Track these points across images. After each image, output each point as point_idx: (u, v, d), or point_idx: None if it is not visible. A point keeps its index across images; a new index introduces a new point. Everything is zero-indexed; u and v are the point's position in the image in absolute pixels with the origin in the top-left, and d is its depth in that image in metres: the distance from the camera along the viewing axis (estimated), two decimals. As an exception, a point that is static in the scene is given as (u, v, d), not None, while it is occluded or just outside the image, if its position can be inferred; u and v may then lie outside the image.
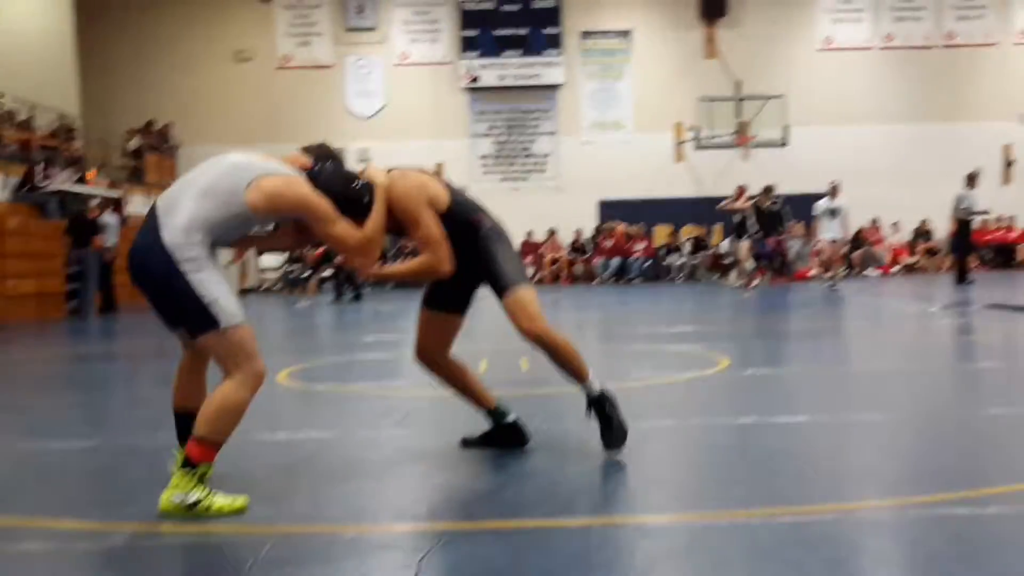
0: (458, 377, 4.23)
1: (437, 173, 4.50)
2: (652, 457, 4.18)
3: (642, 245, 22.18)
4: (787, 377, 6.62)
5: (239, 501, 3.30)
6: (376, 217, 3.75)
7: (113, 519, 3.27)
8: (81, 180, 17.16)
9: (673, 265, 22.17)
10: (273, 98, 22.97)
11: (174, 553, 2.88)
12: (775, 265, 19.16)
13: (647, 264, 22.09)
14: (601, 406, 4.06)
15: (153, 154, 21.64)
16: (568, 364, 4.04)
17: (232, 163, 3.53)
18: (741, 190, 18.13)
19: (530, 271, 22.30)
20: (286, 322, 13.40)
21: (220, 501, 3.27)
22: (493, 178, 23.32)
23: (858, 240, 21.98)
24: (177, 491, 3.23)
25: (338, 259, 16.77)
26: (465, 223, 3.99)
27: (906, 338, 9.19)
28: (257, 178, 3.47)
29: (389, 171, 3.97)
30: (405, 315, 14.45)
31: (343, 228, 3.63)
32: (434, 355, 4.19)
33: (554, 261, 22.32)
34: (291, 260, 20.89)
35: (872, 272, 21.71)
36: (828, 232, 15.85)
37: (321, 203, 3.56)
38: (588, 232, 22.77)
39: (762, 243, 17.90)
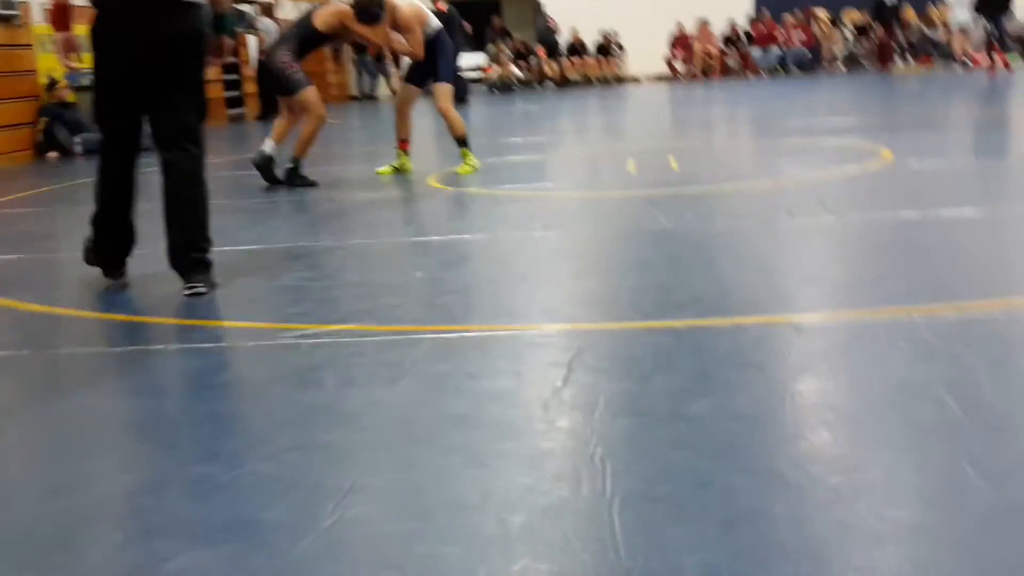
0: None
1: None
2: (809, 254, 4.07)
3: (800, 34, 21.01)
4: (954, 170, 6.27)
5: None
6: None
7: (281, 320, 3.43)
8: (230, -12, 17.30)
9: (835, 53, 20.98)
10: None
11: (335, 350, 3.00)
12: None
13: (806, 54, 20.98)
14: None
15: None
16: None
17: None
18: None
19: (680, 65, 21.57)
20: (434, 124, 13.43)
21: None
22: (641, -33, 22.25)
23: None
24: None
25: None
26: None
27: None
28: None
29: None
30: (553, 116, 14.27)
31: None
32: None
33: (706, 54, 21.43)
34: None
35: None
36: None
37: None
38: (742, 22, 21.65)
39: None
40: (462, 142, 7.26)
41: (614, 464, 2.03)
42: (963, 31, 18.09)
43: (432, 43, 7.13)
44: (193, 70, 3.88)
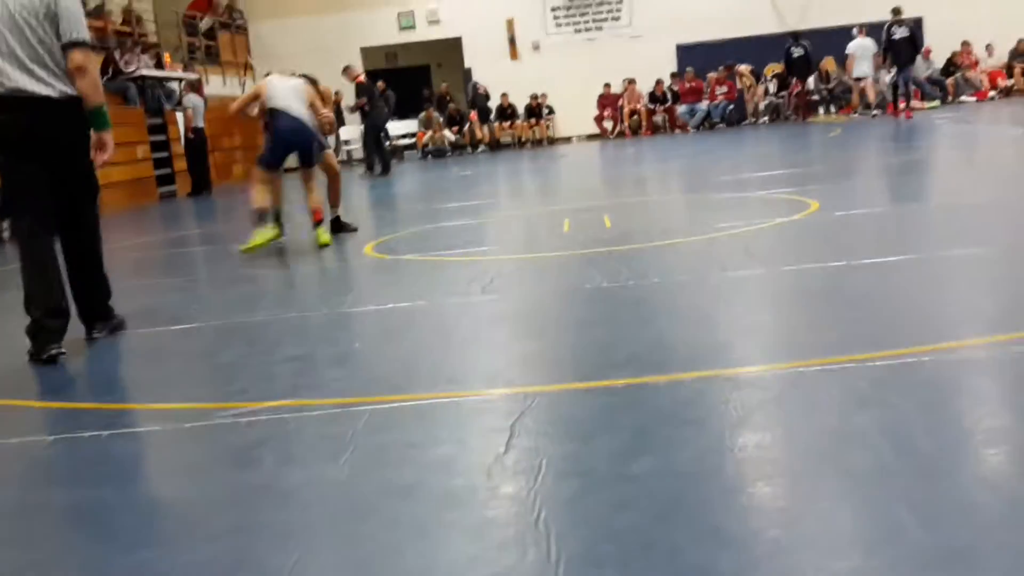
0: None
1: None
2: (742, 307, 4.13)
3: (723, 89, 21.54)
4: (879, 216, 6.43)
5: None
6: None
7: (218, 399, 3.39)
8: (159, 65, 17.27)
9: (757, 106, 21.52)
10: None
11: (274, 427, 2.96)
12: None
13: (730, 108, 21.50)
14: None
15: (225, 33, 21.59)
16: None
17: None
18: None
19: (608, 124, 21.94)
20: (369, 195, 13.48)
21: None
22: (566, 31, 22.72)
23: (950, 66, 21.07)
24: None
25: None
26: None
27: (1004, 167, 8.83)
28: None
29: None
30: (487, 180, 14.40)
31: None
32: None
33: (633, 112, 21.83)
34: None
35: (968, 98, 20.75)
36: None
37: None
38: (667, 80, 22.12)
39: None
40: (260, 217, 7.30)
41: (558, 528, 2.03)
42: (875, 80, 18.69)
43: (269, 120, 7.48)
44: (74, 154, 4.31)
